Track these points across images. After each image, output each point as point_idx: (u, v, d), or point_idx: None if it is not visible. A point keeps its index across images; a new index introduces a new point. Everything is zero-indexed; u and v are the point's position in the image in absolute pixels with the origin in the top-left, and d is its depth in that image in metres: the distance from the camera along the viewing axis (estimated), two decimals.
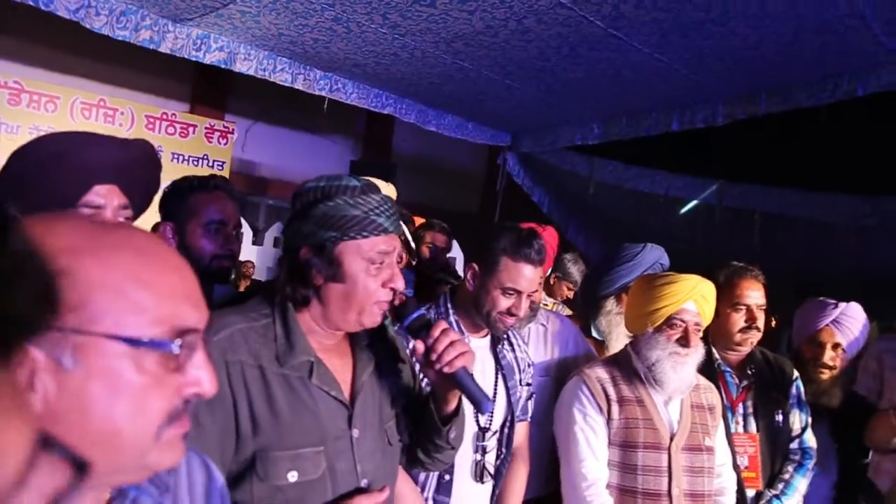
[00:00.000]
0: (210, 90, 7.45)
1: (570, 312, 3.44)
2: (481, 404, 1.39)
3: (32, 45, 6.31)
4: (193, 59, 4.32)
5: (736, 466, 2.30)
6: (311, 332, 1.38)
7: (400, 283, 1.39)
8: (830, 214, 5.77)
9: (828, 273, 5.93)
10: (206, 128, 6.86)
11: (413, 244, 2.67)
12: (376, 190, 1.40)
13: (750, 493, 2.38)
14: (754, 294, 2.47)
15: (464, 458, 1.95)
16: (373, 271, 1.35)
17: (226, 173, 6.90)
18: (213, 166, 6.82)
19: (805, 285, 6.17)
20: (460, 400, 1.50)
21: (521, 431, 2.15)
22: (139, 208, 1.66)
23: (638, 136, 5.50)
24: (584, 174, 6.54)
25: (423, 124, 5.64)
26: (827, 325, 2.66)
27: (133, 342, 0.66)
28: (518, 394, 2.09)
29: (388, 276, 1.37)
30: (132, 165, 1.58)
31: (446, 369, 1.38)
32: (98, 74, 6.69)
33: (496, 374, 2.05)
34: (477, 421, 1.98)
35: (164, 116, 6.65)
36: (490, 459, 2.01)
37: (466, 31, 4.03)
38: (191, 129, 6.79)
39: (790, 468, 2.45)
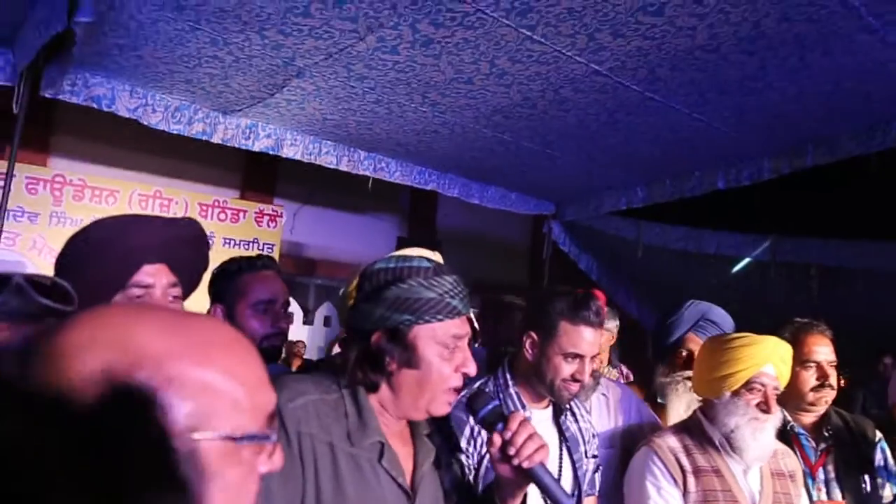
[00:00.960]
0: (259, 176, 7.71)
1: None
2: (562, 503, 1.32)
3: (94, 144, 6.68)
4: (243, 147, 4.50)
5: None
6: (379, 415, 1.35)
7: (472, 368, 1.35)
8: (890, 264, 5.56)
9: (893, 326, 5.68)
10: (255, 212, 7.07)
11: (477, 323, 2.65)
12: (448, 271, 1.38)
13: None
14: (823, 350, 2.36)
15: None
16: (446, 356, 1.32)
17: (275, 255, 7.05)
18: (262, 249, 6.99)
19: (878, 341, 5.92)
20: (525, 497, 1.44)
21: None
22: (189, 286, 1.67)
23: (684, 197, 5.46)
24: (630, 238, 6.48)
25: (466, 198, 5.72)
26: None
27: (240, 439, 0.66)
28: (584, 467, 2.01)
29: (461, 360, 1.33)
30: (179, 244, 1.60)
31: (526, 464, 1.32)
32: (154, 167, 7.01)
33: (560, 446, 1.98)
34: (544, 498, 1.89)
35: (216, 203, 6.89)
36: None
37: (505, 104, 4.12)
38: (241, 214, 7.00)
39: None
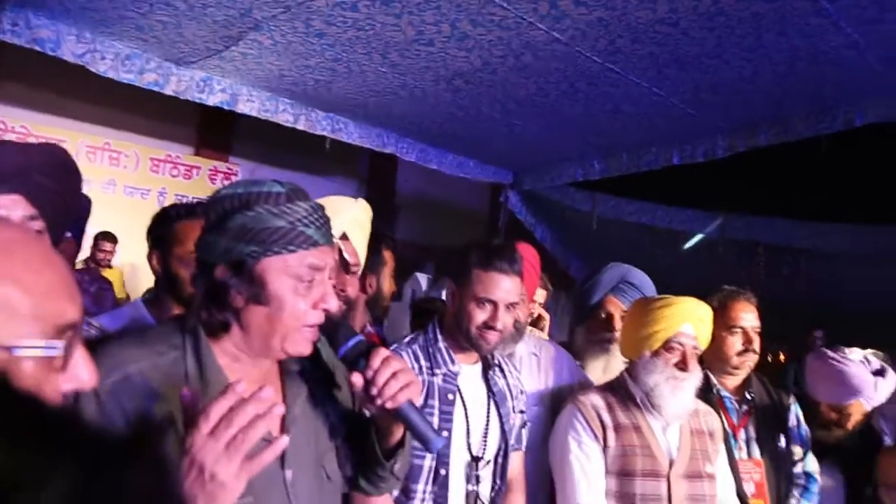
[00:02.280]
0: (214, 133, 7.55)
1: None
2: (429, 443, 1.21)
3: (39, 91, 6.42)
4: (197, 100, 4.38)
5: (742, 493, 2.24)
6: (234, 362, 1.21)
7: (333, 304, 1.21)
8: (833, 244, 5.75)
9: (832, 305, 5.88)
10: (209, 170, 6.94)
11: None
12: (305, 197, 1.22)
13: None
14: (748, 316, 2.45)
15: (457, 488, 1.90)
16: (302, 290, 1.17)
17: None
18: None
19: (815, 318, 6.13)
20: (405, 431, 1.33)
21: (517, 462, 2.09)
22: (56, 220, 1.48)
23: (639, 171, 5.53)
24: (586, 210, 6.55)
25: (424, 163, 5.69)
26: (858, 398, 2.54)
27: (16, 348, 0.62)
28: (511, 421, 2.04)
29: (319, 295, 1.19)
30: (38, 173, 1.41)
31: (389, 404, 1.20)
32: (104, 118, 6.80)
33: (488, 401, 2.00)
34: (469, 449, 1.93)
35: (168, 159, 6.74)
36: (484, 490, 1.94)
37: (465, 68, 4.08)
38: (195, 171, 6.86)
39: (796, 493, 2.40)
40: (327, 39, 3.79)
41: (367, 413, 1.34)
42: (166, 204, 6.37)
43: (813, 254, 6.00)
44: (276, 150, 7.72)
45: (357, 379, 1.23)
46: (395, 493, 1.82)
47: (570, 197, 6.57)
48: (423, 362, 1.94)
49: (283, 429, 1.23)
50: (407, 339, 2.02)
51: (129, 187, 6.71)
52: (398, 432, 1.31)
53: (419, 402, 1.29)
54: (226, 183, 6.95)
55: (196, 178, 6.88)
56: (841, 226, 5.85)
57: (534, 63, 3.96)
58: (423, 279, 6.82)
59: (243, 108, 4.62)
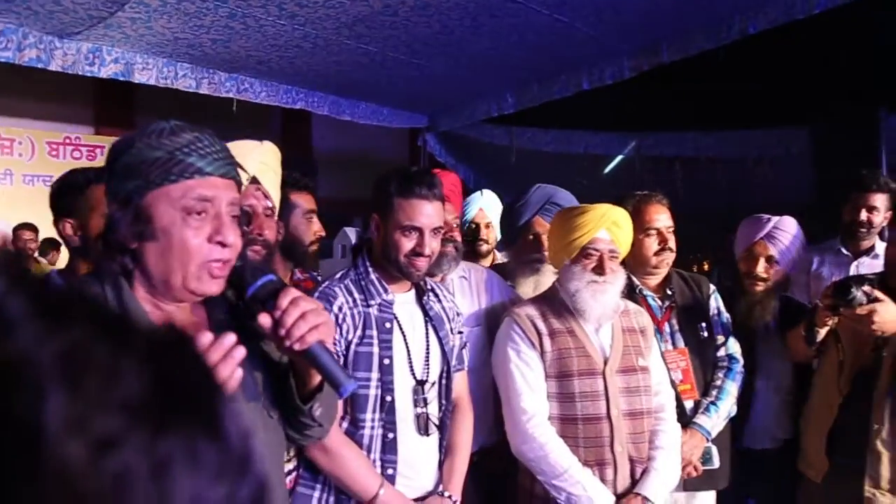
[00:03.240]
0: (113, 108, 7.19)
1: None
2: (340, 387, 1.17)
3: None
4: (88, 74, 4.16)
5: (671, 382, 2.39)
6: (155, 308, 1.18)
7: (230, 236, 1.16)
8: (742, 150, 6.00)
9: (746, 207, 6.16)
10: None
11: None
12: (191, 130, 1.18)
13: (688, 404, 2.48)
14: (662, 217, 2.56)
15: (405, 412, 1.94)
16: (192, 223, 1.12)
17: None
18: None
19: (730, 223, 6.42)
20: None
21: (461, 381, 2.15)
22: None
23: (552, 100, 5.58)
24: (504, 144, 6.61)
25: (337, 115, 5.60)
26: (760, 238, 2.74)
27: None
28: (451, 343, 2.08)
29: (213, 228, 1.14)
30: None
31: (297, 346, 1.16)
32: None
33: (425, 325, 2.04)
34: (413, 373, 1.97)
35: (68, 141, 6.41)
36: (433, 411, 2.00)
37: (366, 12, 4.00)
38: (98, 150, 6.56)
39: (720, 374, 2.55)
40: None
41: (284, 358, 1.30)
42: None
43: (725, 161, 6.24)
44: (181, 118, 7.41)
45: (265, 319, 1.18)
46: (345, 424, 1.88)
47: (488, 133, 6.61)
48: (356, 295, 1.95)
49: None
50: (338, 275, 2.02)
51: (29, 176, 6.36)
52: (316, 376, 1.28)
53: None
54: None
55: (101, 159, 6.57)
56: (747, 132, 6.10)
57: (434, 1, 3.91)
58: (351, 233, 6.79)
59: (140, 77, 4.41)
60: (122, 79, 4.34)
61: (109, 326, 0.35)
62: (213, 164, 1.16)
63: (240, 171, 1.25)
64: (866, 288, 2.18)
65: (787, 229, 2.74)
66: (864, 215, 3.17)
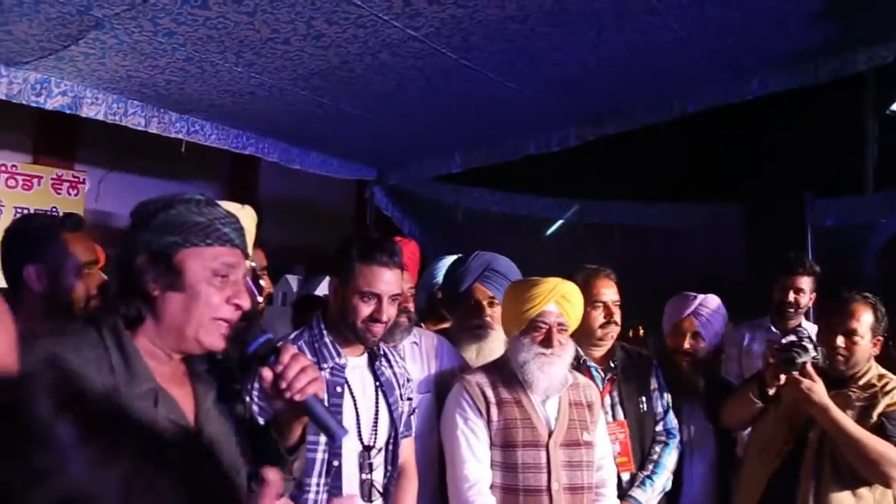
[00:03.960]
0: (55, 138, 6.99)
1: None
2: (335, 435, 1.31)
3: None
4: (34, 104, 4.08)
5: None
6: (150, 358, 1.28)
7: (245, 302, 1.30)
8: (679, 222, 6.23)
9: (680, 277, 6.37)
10: (52, 179, 6.44)
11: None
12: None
13: (625, 476, 2.53)
14: (609, 291, 2.66)
15: (351, 477, 1.94)
16: (216, 283, 1.27)
17: None
18: None
19: (665, 293, 6.63)
20: (304, 429, 1.43)
21: (407, 448, 2.16)
22: None
23: (498, 162, 5.74)
24: (451, 202, 6.70)
25: (287, 163, 5.60)
26: (687, 315, 2.89)
27: None
28: (400, 409, 2.10)
29: (233, 291, 1.29)
30: None
31: (297, 397, 1.29)
32: None
33: (376, 391, 2.06)
34: (360, 439, 1.97)
35: (4, 169, 6.19)
36: (378, 477, 2.01)
37: (323, 66, 4.07)
38: (35, 180, 6.35)
39: (658, 448, 2.63)
40: (177, 38, 3.65)
41: (262, 420, 1.44)
42: (5, 217, 5.88)
43: (663, 231, 6.46)
44: (127, 154, 7.29)
45: (267, 373, 1.31)
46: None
47: (435, 190, 6.70)
48: (309, 357, 1.94)
49: (197, 423, 1.30)
50: (292, 336, 2.04)
51: None
52: (297, 431, 1.38)
53: (323, 396, 1.37)
54: (72, 192, 6.53)
55: (38, 189, 6.38)
56: (684, 204, 6.35)
57: (391, 61, 4.01)
58: (293, 281, 6.72)
59: (88, 111, 4.34)
60: (68, 112, 4.27)
61: None
62: (241, 239, 1.34)
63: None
64: (811, 353, 2.30)
65: (711, 307, 2.89)
66: (791, 297, 3.36)
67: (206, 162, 7.50)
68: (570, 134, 5.35)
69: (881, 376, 2.41)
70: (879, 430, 2.29)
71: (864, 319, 2.36)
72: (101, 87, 4.32)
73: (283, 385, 1.29)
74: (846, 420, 2.27)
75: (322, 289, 7.27)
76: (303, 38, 3.67)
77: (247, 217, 1.96)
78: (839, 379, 2.41)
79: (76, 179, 6.66)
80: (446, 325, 3.23)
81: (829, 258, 4.54)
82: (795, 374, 2.30)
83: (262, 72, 4.12)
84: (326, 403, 1.90)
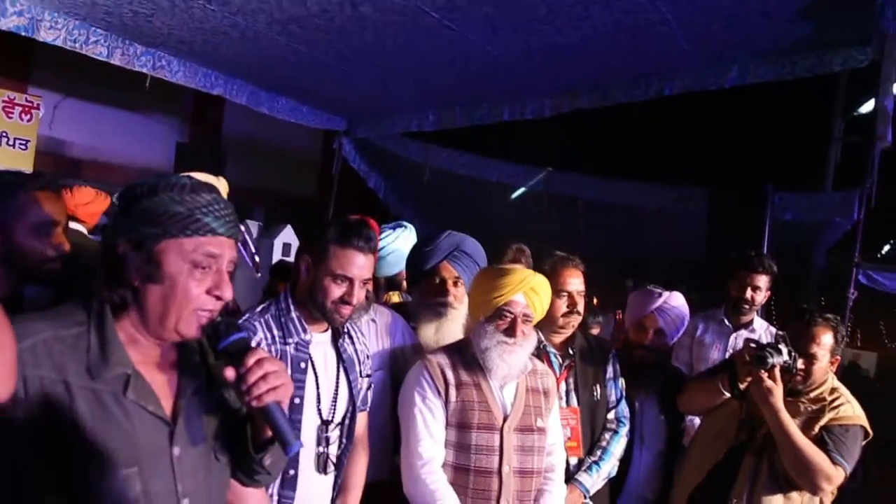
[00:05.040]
0: (8, 59, 6.66)
1: None
2: (287, 446, 1.28)
3: None
4: None
5: None
6: (134, 342, 1.28)
7: (227, 293, 1.28)
8: (643, 201, 6.30)
9: (642, 255, 6.48)
10: (3, 101, 6.15)
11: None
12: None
13: (573, 460, 2.60)
14: (575, 281, 2.68)
15: (308, 450, 1.95)
16: (197, 275, 1.26)
17: (30, 154, 6.25)
18: (14, 145, 6.14)
19: (626, 268, 6.74)
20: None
21: (362, 422, 2.19)
22: None
23: (472, 125, 5.68)
24: (419, 161, 6.64)
25: (255, 107, 5.46)
26: (651, 312, 2.93)
27: None
28: (359, 386, 2.12)
29: (214, 282, 1.27)
30: None
31: (254, 403, 1.27)
32: None
33: (338, 367, 2.07)
34: (319, 414, 1.99)
35: None
36: (333, 451, 2.03)
37: (301, 13, 3.93)
38: None
39: (607, 436, 2.70)
40: None
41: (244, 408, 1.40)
42: None
43: (626, 208, 6.52)
44: (86, 81, 7.01)
45: (230, 373, 1.28)
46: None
47: (404, 147, 6.63)
48: (275, 332, 1.96)
49: (175, 409, 1.30)
50: (259, 309, 2.02)
51: None
52: (267, 430, 1.37)
53: (287, 400, 1.34)
54: (25, 117, 6.25)
55: None
56: (650, 184, 6.41)
57: (372, 14, 3.90)
58: (253, 226, 6.62)
59: (46, 36, 4.11)
60: (24, 34, 4.04)
61: None
62: (225, 226, 1.30)
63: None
64: (783, 357, 2.35)
65: (675, 304, 2.92)
66: (748, 294, 3.43)
67: (169, 97, 7.26)
68: (545, 104, 5.31)
69: (833, 390, 2.50)
70: (819, 442, 2.39)
71: (825, 342, 2.43)
72: (61, 11, 4.10)
73: (244, 388, 1.27)
74: (792, 426, 2.36)
75: (284, 237, 7.18)
76: None
77: (219, 187, 1.89)
78: (795, 390, 2.48)
79: (30, 104, 6.37)
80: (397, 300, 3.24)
81: (784, 251, 4.66)
82: (762, 373, 2.35)
83: (237, 12, 3.96)
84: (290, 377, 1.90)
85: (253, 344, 1.84)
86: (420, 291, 2.71)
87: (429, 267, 2.65)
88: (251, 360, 1.28)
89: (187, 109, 8.32)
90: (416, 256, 2.73)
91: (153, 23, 4.17)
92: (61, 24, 4.15)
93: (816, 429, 2.42)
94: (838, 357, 2.50)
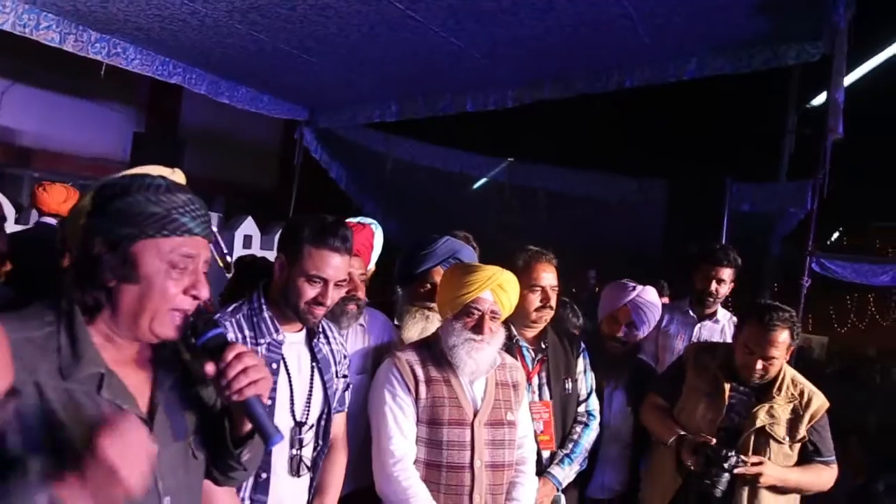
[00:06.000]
0: None
1: None
2: (268, 438, 1.29)
3: None
4: None
5: (533, 431, 2.51)
6: (107, 342, 1.27)
7: (204, 292, 1.29)
8: (604, 192, 6.38)
9: (602, 245, 6.57)
10: None
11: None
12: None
13: (545, 453, 2.62)
14: (548, 276, 2.69)
15: (280, 453, 1.93)
16: (174, 275, 1.25)
17: None
18: None
19: (588, 259, 6.83)
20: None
21: (339, 422, 2.17)
22: None
23: (434, 115, 5.68)
24: (381, 151, 6.62)
25: (214, 96, 5.36)
26: (624, 305, 2.98)
27: None
28: (335, 386, 2.10)
29: (190, 282, 1.27)
30: None
31: (235, 397, 1.28)
32: None
33: (312, 367, 2.04)
34: (293, 415, 1.97)
35: None
36: (307, 453, 2.01)
37: (262, 2, 3.87)
38: None
39: (578, 429, 2.75)
40: None
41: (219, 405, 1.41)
42: None
43: (587, 200, 6.60)
44: (37, 66, 6.78)
45: (210, 368, 1.29)
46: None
47: (366, 137, 6.59)
48: (247, 332, 1.93)
49: (151, 407, 1.29)
50: (231, 309, 1.99)
51: None
52: (248, 424, 1.37)
53: (267, 394, 1.33)
54: None
55: None
56: (611, 175, 6.50)
57: (335, 4, 3.86)
58: (213, 218, 6.49)
59: None
60: None
61: None
62: (201, 226, 1.30)
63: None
64: (732, 461, 2.40)
65: (648, 298, 2.97)
66: (713, 286, 3.50)
67: (125, 84, 7.08)
68: (508, 95, 5.34)
69: (793, 380, 2.60)
70: (808, 444, 2.53)
71: (783, 342, 2.50)
72: None
73: (223, 383, 1.28)
74: (791, 475, 2.49)
75: (244, 229, 7.08)
76: None
77: (177, 179, 1.85)
78: (758, 386, 2.57)
79: None
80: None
81: (741, 241, 4.77)
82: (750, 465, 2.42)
83: (196, 0, 3.88)
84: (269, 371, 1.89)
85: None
86: (409, 293, 2.71)
87: (420, 270, 2.65)
88: (231, 355, 1.28)
89: (144, 98, 8.13)
90: (410, 258, 2.72)
91: (108, 9, 4.05)
92: (9, 8, 4.00)
93: (802, 431, 2.52)
94: (793, 347, 2.59)
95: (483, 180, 7.20)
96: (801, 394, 2.57)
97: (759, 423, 2.52)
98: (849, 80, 4.92)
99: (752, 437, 2.52)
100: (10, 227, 7.37)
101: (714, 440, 2.46)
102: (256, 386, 1.29)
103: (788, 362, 2.63)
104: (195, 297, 1.28)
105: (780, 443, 2.52)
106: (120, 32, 4.45)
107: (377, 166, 6.73)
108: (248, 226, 6.88)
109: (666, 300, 4.59)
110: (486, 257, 2.86)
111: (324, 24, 4.20)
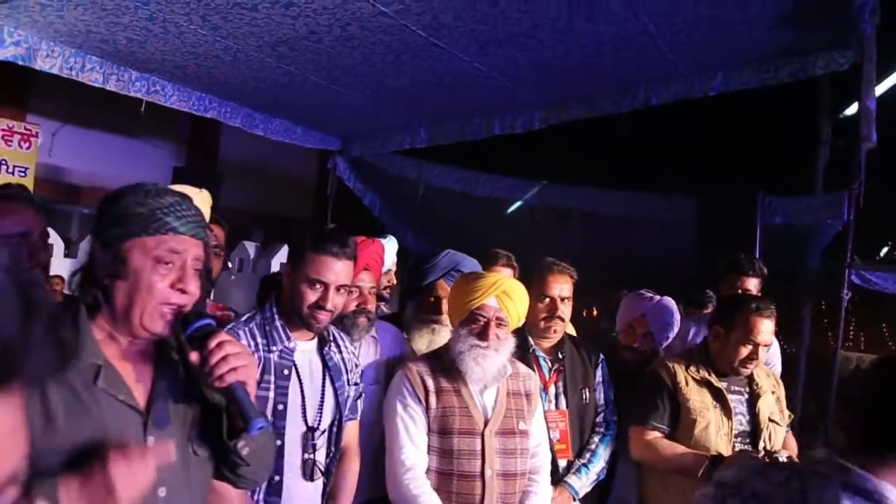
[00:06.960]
0: (7, 89, 6.79)
1: None
2: (250, 422, 1.32)
3: None
4: None
5: (549, 440, 2.51)
6: (109, 338, 1.35)
7: (191, 286, 1.35)
8: (634, 210, 6.35)
9: (635, 264, 6.52)
10: (2, 129, 6.24)
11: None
12: (174, 195, 1.40)
13: (562, 463, 2.63)
14: (559, 286, 2.70)
15: (294, 457, 1.99)
16: (161, 270, 1.34)
17: (30, 181, 6.32)
18: (13, 173, 6.22)
19: (619, 278, 6.78)
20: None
21: (352, 430, 2.22)
22: None
23: (463, 140, 5.75)
24: (413, 177, 6.71)
25: (249, 129, 5.53)
26: (641, 315, 2.98)
27: None
28: (346, 394, 2.15)
29: (177, 276, 1.35)
30: None
31: (217, 384, 1.33)
32: None
33: (324, 374, 2.10)
34: (305, 420, 2.02)
35: None
36: (320, 457, 2.06)
37: (290, 35, 4.01)
38: None
39: (596, 439, 2.74)
40: None
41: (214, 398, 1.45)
42: None
43: (620, 218, 6.57)
44: (83, 108, 7.11)
45: (194, 356, 1.35)
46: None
47: (398, 165, 6.70)
48: (259, 340, 2.01)
49: (149, 401, 1.34)
50: (244, 318, 2.08)
51: None
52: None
53: (252, 382, 1.39)
54: (24, 145, 6.35)
55: None
56: (641, 194, 6.47)
57: (360, 34, 3.98)
58: (250, 247, 6.67)
59: (42, 64, 4.20)
60: (21, 63, 4.13)
61: None
62: (187, 226, 1.38)
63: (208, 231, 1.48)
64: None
65: (666, 308, 2.97)
66: None
67: (166, 122, 7.38)
68: (534, 117, 5.37)
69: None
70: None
71: (773, 327, 2.54)
72: (57, 41, 4.19)
73: (206, 370, 1.33)
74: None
75: (281, 257, 7.24)
76: (271, 5, 3.61)
77: (201, 201, 1.95)
78: (744, 384, 2.59)
79: (28, 132, 6.47)
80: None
81: (775, 255, 4.70)
82: None
83: (228, 36, 4.05)
84: (273, 385, 1.97)
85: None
86: (415, 306, 2.76)
87: (425, 283, 2.71)
88: (213, 343, 1.34)
89: (183, 134, 8.43)
90: (415, 272, 2.78)
91: (146, 49, 4.26)
92: (58, 53, 4.24)
93: (785, 409, 2.63)
94: None
95: (516, 204, 7.23)
96: (768, 374, 2.63)
97: (768, 416, 2.54)
98: (881, 88, 4.85)
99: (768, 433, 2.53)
100: (59, 259, 7.67)
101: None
102: (237, 372, 1.33)
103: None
104: (182, 291, 1.35)
105: (780, 426, 2.58)
106: (158, 71, 4.65)
107: (410, 193, 6.82)
108: (285, 254, 7.03)
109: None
110: (523, 279, 2.87)
111: (350, 55, 4.33)
